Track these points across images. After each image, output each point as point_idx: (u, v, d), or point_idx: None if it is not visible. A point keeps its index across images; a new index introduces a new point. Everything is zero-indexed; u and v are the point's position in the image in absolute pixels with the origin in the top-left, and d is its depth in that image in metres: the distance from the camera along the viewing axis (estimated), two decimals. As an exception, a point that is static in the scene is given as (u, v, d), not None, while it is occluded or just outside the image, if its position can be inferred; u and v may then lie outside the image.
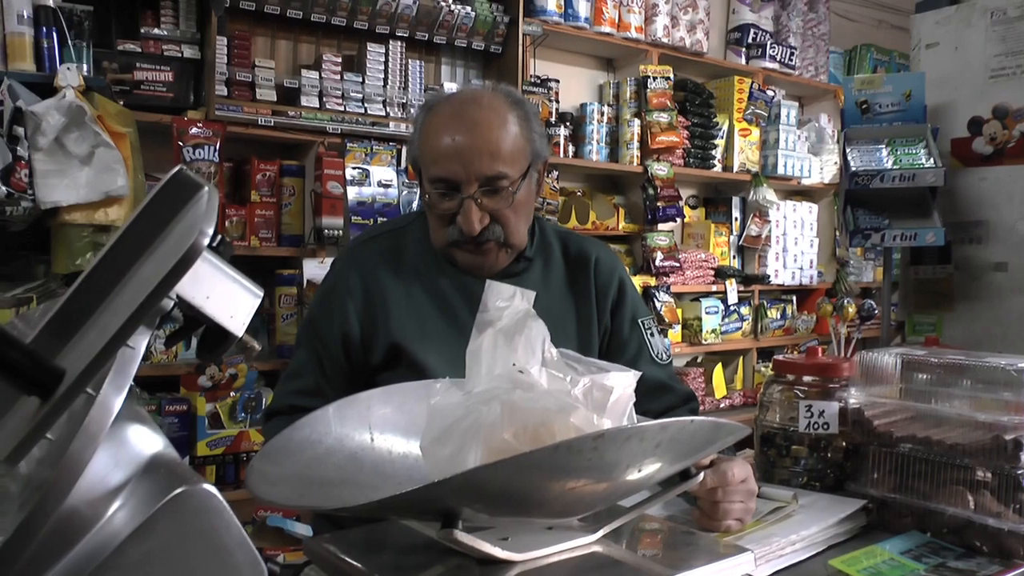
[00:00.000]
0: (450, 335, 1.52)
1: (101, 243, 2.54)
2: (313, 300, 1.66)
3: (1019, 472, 1.23)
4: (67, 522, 0.61)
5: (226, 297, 0.69)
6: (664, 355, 1.70)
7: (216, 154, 3.04)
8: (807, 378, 1.53)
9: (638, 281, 4.29)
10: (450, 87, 3.79)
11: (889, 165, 2.16)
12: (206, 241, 0.52)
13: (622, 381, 0.89)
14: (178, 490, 0.63)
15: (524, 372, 0.89)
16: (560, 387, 0.88)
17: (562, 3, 4.06)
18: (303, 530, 2.91)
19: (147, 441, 0.69)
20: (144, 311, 0.52)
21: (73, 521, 0.62)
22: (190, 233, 0.52)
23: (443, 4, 3.64)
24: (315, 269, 3.35)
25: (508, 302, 0.90)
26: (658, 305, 4.28)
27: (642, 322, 1.69)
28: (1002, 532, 1.23)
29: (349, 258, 1.63)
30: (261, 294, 0.72)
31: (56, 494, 0.58)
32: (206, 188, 0.57)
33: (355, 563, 0.96)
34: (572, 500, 0.86)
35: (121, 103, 2.75)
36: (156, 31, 3.06)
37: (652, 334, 1.70)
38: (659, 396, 1.62)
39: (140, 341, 0.57)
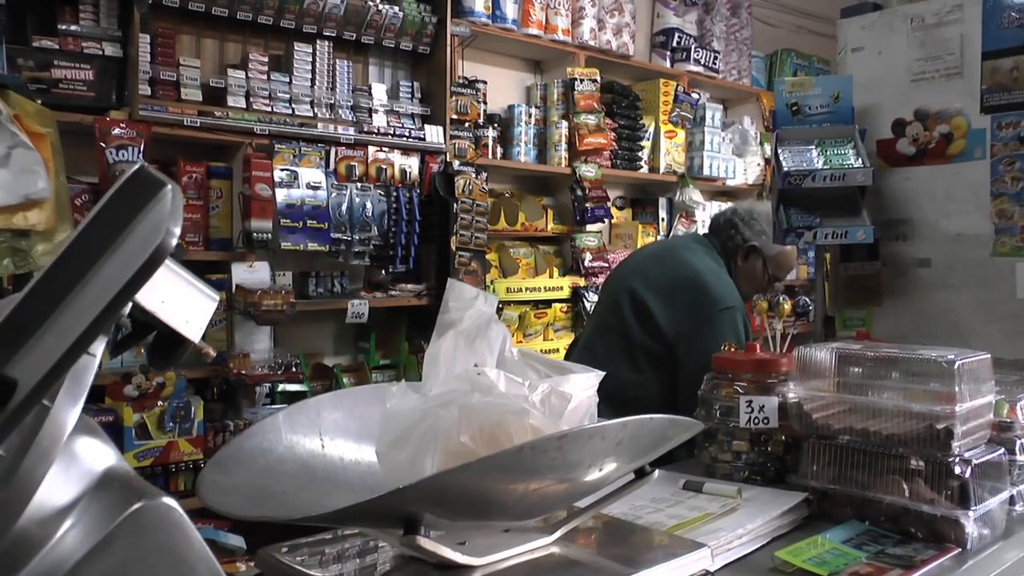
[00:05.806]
0: None
1: (21, 248, 2.44)
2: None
3: (950, 459, 1.28)
4: (11, 544, 0.57)
5: (182, 302, 0.66)
6: None
7: (140, 156, 2.94)
8: (746, 374, 1.56)
9: (567, 282, 4.32)
10: (378, 88, 3.75)
11: (820, 165, 2.22)
12: (174, 241, 0.50)
13: (583, 384, 0.89)
14: (136, 505, 0.60)
15: (482, 374, 0.88)
16: (518, 391, 0.87)
17: (490, 4, 4.06)
18: (236, 542, 2.84)
19: (98, 455, 0.65)
20: (109, 315, 0.50)
21: (18, 543, 0.58)
22: (155, 233, 0.50)
23: (371, 4, 3.60)
24: (244, 273, 3.26)
25: (470, 304, 0.88)
26: (588, 305, 4.31)
27: None
28: (936, 518, 1.27)
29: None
30: (217, 298, 0.70)
31: (9, 514, 0.55)
32: (169, 186, 0.54)
33: (309, 572, 0.94)
34: (535, 501, 0.85)
35: (39, 102, 2.65)
36: (75, 28, 2.95)
37: None
38: None
39: (99, 348, 0.55)
